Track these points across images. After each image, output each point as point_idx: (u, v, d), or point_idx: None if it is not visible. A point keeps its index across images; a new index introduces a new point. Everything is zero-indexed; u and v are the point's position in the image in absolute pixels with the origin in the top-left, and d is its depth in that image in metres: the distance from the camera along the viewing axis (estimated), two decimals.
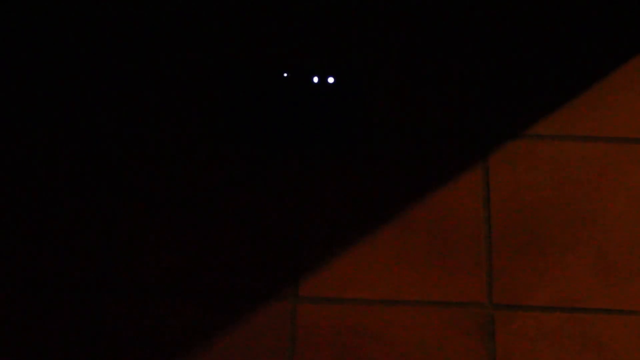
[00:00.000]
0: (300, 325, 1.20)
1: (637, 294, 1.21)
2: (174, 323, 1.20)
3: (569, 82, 1.32)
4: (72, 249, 1.24)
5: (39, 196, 1.26)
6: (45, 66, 1.33)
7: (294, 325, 1.20)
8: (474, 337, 1.20)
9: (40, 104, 1.31)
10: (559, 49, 1.34)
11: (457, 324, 1.20)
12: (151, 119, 1.31)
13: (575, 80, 1.32)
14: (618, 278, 1.22)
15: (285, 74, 1.30)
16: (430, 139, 1.30)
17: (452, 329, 1.20)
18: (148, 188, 1.27)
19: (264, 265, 1.23)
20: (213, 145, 1.29)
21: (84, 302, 1.21)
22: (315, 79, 1.29)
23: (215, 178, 1.28)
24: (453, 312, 1.21)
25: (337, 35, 1.35)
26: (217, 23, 1.36)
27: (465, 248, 1.24)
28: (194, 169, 1.28)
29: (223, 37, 1.35)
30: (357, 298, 1.22)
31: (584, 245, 1.24)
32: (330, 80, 1.29)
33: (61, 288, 1.22)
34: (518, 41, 1.34)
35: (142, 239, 1.24)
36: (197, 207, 1.26)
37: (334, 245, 1.24)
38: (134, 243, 1.24)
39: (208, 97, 1.32)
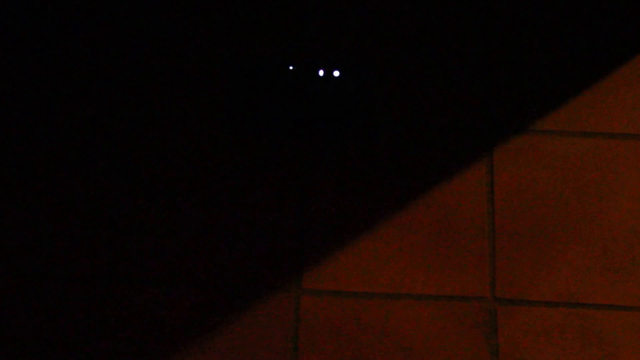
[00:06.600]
0: (304, 318, 1.20)
1: (639, 289, 1.21)
2: (177, 314, 1.21)
3: (574, 77, 1.32)
4: (73, 240, 1.24)
5: (39, 187, 1.27)
6: (51, 57, 1.33)
7: (298, 318, 1.20)
8: (476, 331, 1.20)
9: (44, 95, 1.32)
10: (565, 45, 1.34)
11: (460, 318, 1.21)
12: (156, 110, 1.31)
13: (580, 76, 1.32)
14: (621, 274, 1.22)
15: (291, 67, 1.30)
16: (435, 133, 1.30)
17: (454, 323, 1.20)
18: (151, 179, 1.27)
19: (268, 257, 1.24)
20: (218, 137, 1.30)
21: (86, 293, 1.22)
22: (321, 72, 1.30)
23: (219, 170, 1.28)
24: (456, 306, 1.21)
25: (344, 29, 1.35)
26: (225, 15, 1.36)
27: (469, 242, 1.24)
28: (199, 160, 1.28)
29: (231, 29, 1.35)
30: (361, 291, 1.22)
31: (587, 241, 1.24)
32: (336, 73, 1.30)
33: (62, 279, 1.22)
34: (524, 36, 1.34)
35: (145, 229, 1.25)
36: (201, 198, 1.26)
37: (338, 238, 1.24)
38: (136, 234, 1.24)
39: (214, 90, 1.32)
